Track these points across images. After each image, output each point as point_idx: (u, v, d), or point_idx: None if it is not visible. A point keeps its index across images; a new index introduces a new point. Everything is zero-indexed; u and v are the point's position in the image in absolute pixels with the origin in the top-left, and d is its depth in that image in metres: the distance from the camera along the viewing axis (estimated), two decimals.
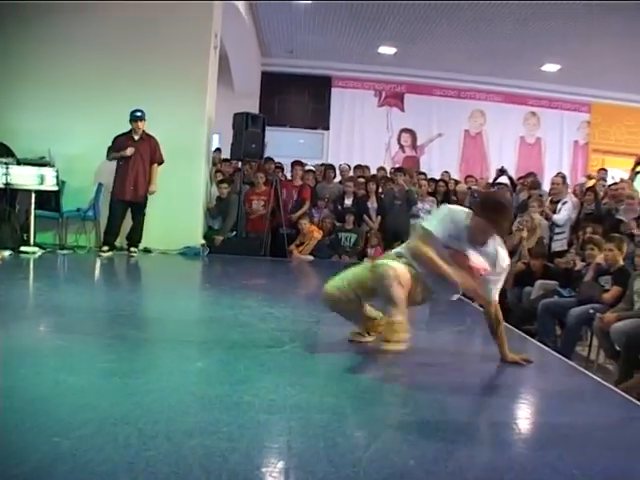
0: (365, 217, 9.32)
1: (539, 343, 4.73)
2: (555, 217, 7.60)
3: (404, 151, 14.30)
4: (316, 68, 13.74)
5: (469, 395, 2.99)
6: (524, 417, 2.84)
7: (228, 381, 2.83)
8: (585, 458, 2.28)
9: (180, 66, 8.37)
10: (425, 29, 10.96)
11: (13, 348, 3.09)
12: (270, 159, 10.08)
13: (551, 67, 12.54)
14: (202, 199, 8.84)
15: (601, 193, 8.19)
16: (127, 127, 7.91)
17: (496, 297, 3.48)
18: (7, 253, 6.88)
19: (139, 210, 8.00)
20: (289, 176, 10.12)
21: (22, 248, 7.20)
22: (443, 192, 9.86)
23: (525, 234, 7.34)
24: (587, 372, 3.84)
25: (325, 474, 1.93)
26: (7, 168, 7.30)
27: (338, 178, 10.38)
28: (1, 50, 8.18)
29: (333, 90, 14.09)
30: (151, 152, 7.97)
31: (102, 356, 3.18)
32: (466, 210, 3.50)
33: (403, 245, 3.64)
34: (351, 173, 10.59)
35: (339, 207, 9.54)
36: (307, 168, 10.29)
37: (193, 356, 3.36)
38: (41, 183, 7.50)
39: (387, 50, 12.51)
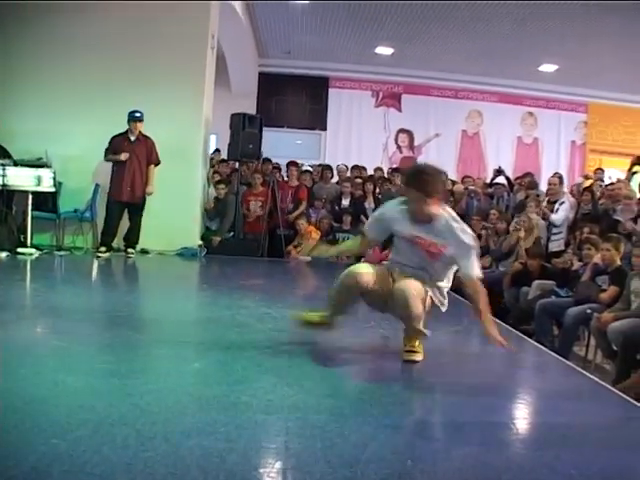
0: (362, 217, 9.31)
1: (536, 343, 4.74)
2: (552, 217, 7.60)
3: (401, 151, 14.30)
4: (313, 69, 13.73)
5: (466, 395, 2.99)
6: (522, 417, 2.85)
7: (225, 382, 2.83)
8: (583, 458, 2.28)
9: (177, 67, 8.36)
10: (422, 29, 10.96)
11: (11, 349, 3.09)
12: (267, 160, 10.08)
13: (548, 67, 12.55)
14: (199, 200, 8.84)
15: (598, 193, 8.20)
16: (124, 128, 7.90)
17: (476, 272, 3.37)
18: (4, 254, 6.87)
19: (136, 211, 7.99)
20: (286, 177, 10.11)
21: (19, 249, 7.17)
22: None
23: (522, 234, 7.34)
24: (584, 372, 3.85)
25: (322, 474, 1.93)
26: (4, 169, 7.28)
27: (335, 179, 10.38)
28: None
29: (330, 91, 14.08)
30: (147, 153, 7.95)
31: (100, 357, 3.18)
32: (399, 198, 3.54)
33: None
34: (348, 174, 10.59)
35: (336, 207, 9.54)
36: (304, 168, 10.29)
37: (190, 357, 3.36)
38: (38, 184, 7.48)
39: (384, 50, 12.50)
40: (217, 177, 9.47)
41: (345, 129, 14.09)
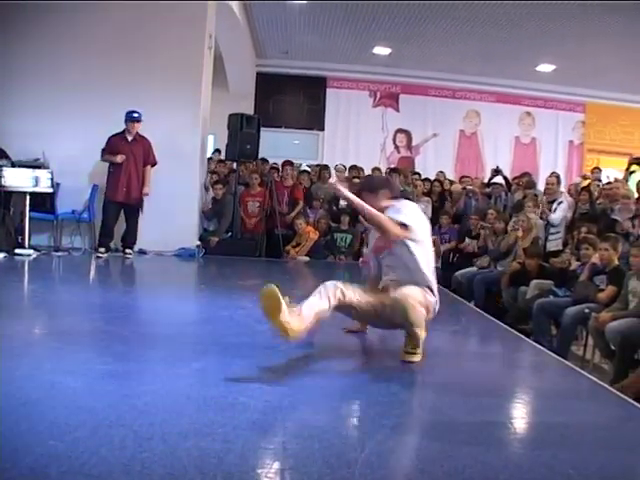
0: (360, 218, 9.29)
1: (534, 343, 4.73)
2: (550, 217, 7.60)
3: (399, 151, 14.30)
4: (311, 69, 13.73)
5: (464, 395, 2.99)
6: (520, 416, 2.85)
7: (223, 382, 2.83)
8: (581, 457, 2.28)
9: (175, 67, 8.35)
10: (420, 29, 10.96)
11: (8, 350, 3.08)
12: (265, 160, 10.07)
13: (546, 67, 12.56)
14: (197, 200, 8.84)
15: (596, 193, 8.21)
16: (122, 128, 7.90)
17: (390, 222, 3.36)
18: (1, 255, 6.86)
19: (132, 212, 7.99)
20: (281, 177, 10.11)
21: (17, 250, 7.17)
22: (438, 192, 9.88)
23: (520, 234, 7.35)
24: (582, 372, 3.85)
25: (320, 475, 1.93)
26: (1, 170, 7.27)
27: (333, 179, 10.37)
28: None
29: (328, 91, 14.09)
30: (144, 154, 7.95)
31: (97, 358, 3.18)
32: None
33: None
34: (346, 174, 10.59)
35: (334, 208, 9.54)
36: (302, 169, 10.30)
37: (188, 357, 3.35)
38: (36, 185, 7.47)
39: (382, 50, 12.51)
40: (215, 177, 9.47)
41: (343, 129, 14.09)
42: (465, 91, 14.15)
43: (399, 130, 14.27)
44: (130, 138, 7.90)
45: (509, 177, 10.06)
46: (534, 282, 6.42)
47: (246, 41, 11.69)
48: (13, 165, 7.63)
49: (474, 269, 7.76)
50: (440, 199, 9.80)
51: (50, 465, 1.85)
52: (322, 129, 14.12)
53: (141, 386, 2.71)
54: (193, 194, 8.71)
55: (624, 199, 7.03)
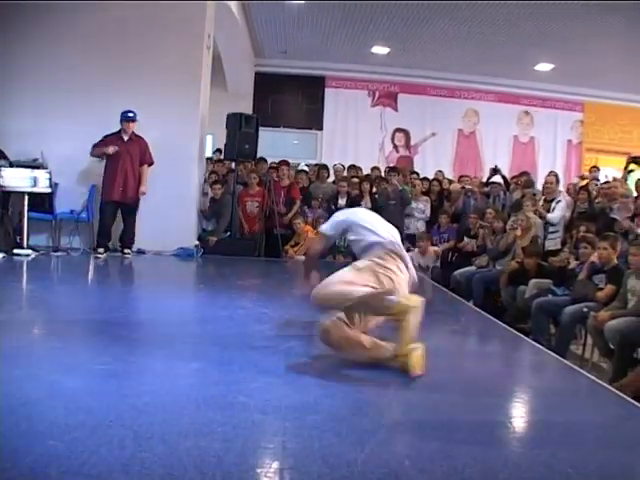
0: None
1: (533, 342, 4.74)
2: (549, 216, 7.61)
3: (398, 151, 14.30)
4: (310, 68, 13.73)
5: (463, 394, 3.00)
6: (519, 415, 2.85)
7: (223, 382, 2.83)
8: (580, 456, 2.28)
9: (173, 66, 8.35)
10: (418, 29, 10.96)
11: (8, 350, 3.08)
12: (263, 159, 10.07)
13: (544, 66, 12.56)
14: (196, 200, 8.83)
15: (594, 192, 8.21)
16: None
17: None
18: (0, 256, 6.85)
19: (129, 212, 7.99)
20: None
21: (15, 250, 7.16)
22: (437, 191, 9.88)
23: (519, 233, 7.36)
24: (581, 370, 3.85)
25: (320, 474, 1.94)
26: (0, 170, 7.27)
27: (332, 178, 10.37)
28: None
29: (327, 90, 14.09)
30: (141, 153, 7.95)
31: (97, 358, 3.17)
32: None
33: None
34: (345, 173, 10.59)
35: (333, 207, 9.51)
36: (300, 168, 10.29)
37: (187, 357, 3.36)
38: (34, 185, 7.46)
39: (380, 50, 12.51)
40: (214, 177, 9.46)
41: (341, 129, 14.09)
42: (464, 90, 14.16)
43: (398, 129, 14.27)
44: (126, 138, 7.90)
45: (508, 176, 10.06)
46: (533, 281, 6.42)
47: (245, 41, 11.69)
48: (11, 165, 7.61)
49: (473, 268, 7.77)
50: (439, 198, 9.80)
51: (50, 465, 1.86)
52: (321, 128, 14.12)
53: (140, 386, 2.71)
54: (192, 194, 8.71)
55: (623, 198, 7.04)
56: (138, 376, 2.90)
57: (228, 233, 8.95)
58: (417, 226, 9.25)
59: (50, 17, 8.20)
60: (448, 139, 14.31)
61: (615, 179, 8.50)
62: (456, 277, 7.75)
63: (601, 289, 5.37)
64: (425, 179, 10.32)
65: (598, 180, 9.53)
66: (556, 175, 8.57)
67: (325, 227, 4.07)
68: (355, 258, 3.96)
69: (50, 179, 7.65)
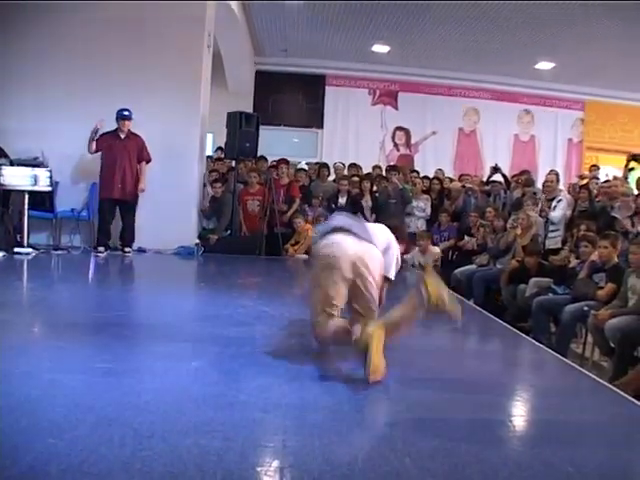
0: (359, 215, 9.30)
1: (534, 340, 4.74)
2: (550, 214, 7.60)
3: (398, 149, 14.29)
4: (310, 67, 13.71)
5: (464, 393, 3.00)
6: (519, 414, 2.85)
7: (223, 380, 2.83)
8: (580, 455, 2.28)
9: (174, 65, 8.34)
10: (418, 27, 10.94)
11: (8, 348, 3.09)
12: (264, 158, 10.06)
13: (545, 65, 12.54)
14: (196, 198, 8.83)
15: (595, 191, 8.21)
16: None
17: None
18: (1, 254, 6.85)
19: (128, 209, 7.99)
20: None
21: (16, 249, 7.16)
22: (437, 190, 9.87)
23: (519, 231, 7.35)
24: (582, 369, 3.86)
25: (320, 472, 1.94)
26: (0, 169, 7.27)
27: (332, 177, 10.37)
28: None
29: (327, 89, 14.07)
30: (138, 151, 7.98)
31: (97, 356, 3.17)
32: None
33: None
34: (345, 172, 10.58)
35: (333, 205, 9.52)
36: (299, 167, 10.28)
37: (188, 355, 3.35)
38: (34, 184, 7.46)
39: (381, 48, 12.49)
40: (214, 175, 9.46)
41: (342, 127, 14.07)
42: (464, 89, 14.14)
43: (398, 128, 14.25)
44: (123, 136, 7.93)
45: (508, 175, 10.05)
46: (533, 280, 6.42)
47: (245, 39, 11.68)
48: (12, 164, 7.61)
49: (473, 267, 7.77)
50: (439, 197, 9.79)
51: (50, 463, 1.86)
52: (321, 127, 14.10)
53: (141, 384, 2.72)
54: (192, 192, 8.71)
55: (623, 197, 7.03)
56: (138, 374, 2.90)
57: (228, 231, 8.95)
58: (417, 225, 9.24)
59: (50, 17, 8.19)
60: (448, 138, 14.29)
61: (615, 178, 8.49)
62: (456, 276, 7.75)
63: (601, 288, 5.37)
64: (425, 178, 10.32)
65: (598, 179, 9.52)
66: (556, 174, 8.57)
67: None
68: None
69: (50, 177, 7.65)
